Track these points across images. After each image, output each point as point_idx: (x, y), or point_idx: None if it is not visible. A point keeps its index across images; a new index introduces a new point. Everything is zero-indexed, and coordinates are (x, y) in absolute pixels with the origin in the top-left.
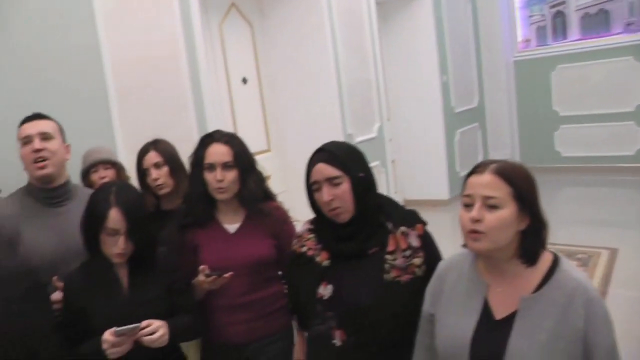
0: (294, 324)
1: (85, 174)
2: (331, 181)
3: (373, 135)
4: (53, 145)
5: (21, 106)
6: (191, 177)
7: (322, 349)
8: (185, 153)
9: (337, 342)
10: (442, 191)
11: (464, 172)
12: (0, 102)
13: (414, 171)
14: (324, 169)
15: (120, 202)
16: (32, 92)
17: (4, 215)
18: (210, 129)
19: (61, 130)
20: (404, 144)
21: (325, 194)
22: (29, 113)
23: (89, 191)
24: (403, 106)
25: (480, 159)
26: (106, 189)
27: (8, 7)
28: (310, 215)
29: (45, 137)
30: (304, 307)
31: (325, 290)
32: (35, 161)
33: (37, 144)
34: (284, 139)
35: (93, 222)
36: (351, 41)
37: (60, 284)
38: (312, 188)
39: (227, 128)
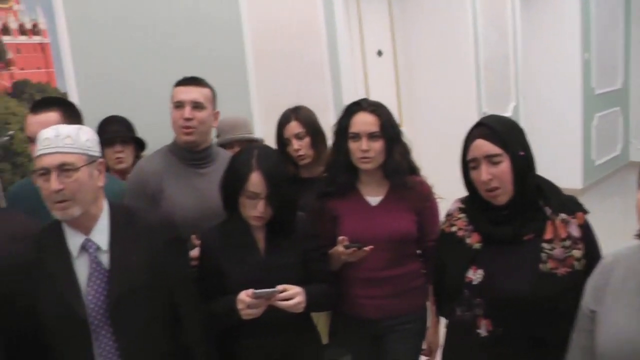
0: (429, 306)
1: (221, 145)
2: (490, 159)
3: (508, 114)
4: (203, 115)
5: (166, 70)
6: (334, 145)
7: (464, 337)
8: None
9: (482, 332)
10: (575, 179)
11: (600, 161)
12: (147, 65)
13: (545, 156)
14: (483, 145)
15: (262, 166)
16: (176, 56)
17: (149, 171)
18: (346, 100)
19: (214, 98)
20: (536, 126)
21: (484, 173)
22: (173, 77)
23: (228, 154)
24: (538, 85)
25: (619, 147)
26: (248, 152)
27: None
28: (446, 193)
29: (196, 106)
30: (449, 290)
31: (475, 275)
32: (183, 127)
33: (187, 112)
34: (416, 115)
35: (233, 184)
36: (491, 13)
37: (197, 242)
38: (468, 165)
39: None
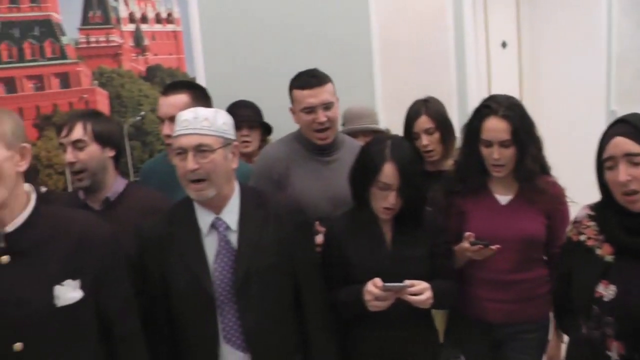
0: (552, 317)
1: (347, 134)
2: (630, 158)
3: None
4: (333, 112)
5: (292, 55)
6: (465, 147)
7: (591, 358)
8: None
9: (613, 355)
10: None
11: None
12: (273, 51)
13: None
14: (624, 144)
15: (395, 157)
16: (302, 42)
17: (274, 157)
18: (470, 92)
19: (334, 86)
20: None
21: (622, 173)
22: (299, 63)
23: (354, 142)
24: None
25: None
26: (382, 142)
27: None
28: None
29: (327, 107)
30: (575, 304)
31: (607, 291)
32: (317, 130)
33: (321, 116)
34: (538, 110)
35: (365, 174)
36: (629, 1)
37: (321, 229)
38: (604, 165)
39: (482, 93)
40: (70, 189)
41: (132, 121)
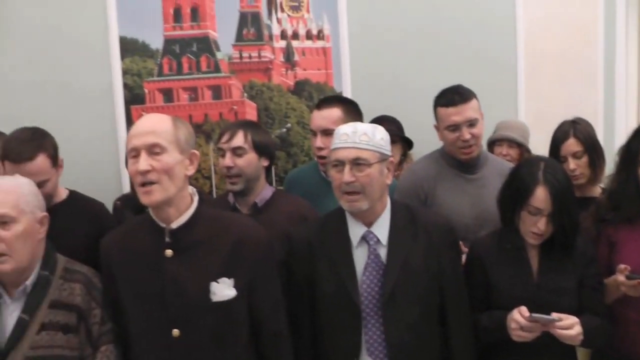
0: None
1: (491, 143)
2: None
3: None
4: (478, 129)
5: (436, 70)
6: (621, 170)
7: None
8: None
9: None
10: None
11: None
12: (417, 66)
13: None
14: None
15: (549, 181)
16: (446, 56)
17: (422, 175)
18: (618, 111)
19: (479, 104)
20: None
21: None
22: (443, 77)
23: (497, 159)
24: None
25: None
26: (534, 163)
27: None
28: None
29: (472, 124)
30: None
31: None
32: (463, 148)
33: (465, 134)
34: None
35: (515, 196)
36: None
37: (465, 249)
38: None
39: (632, 114)
40: (214, 194)
41: (278, 132)
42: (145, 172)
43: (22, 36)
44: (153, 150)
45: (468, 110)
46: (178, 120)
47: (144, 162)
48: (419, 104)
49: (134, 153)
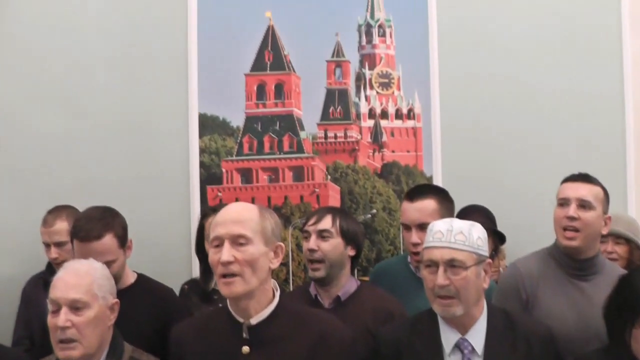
0: None
1: None
2: None
3: None
4: (589, 215)
5: (536, 163)
6: None
7: None
8: None
9: None
10: None
11: None
12: (515, 155)
13: None
14: None
15: None
16: (547, 146)
17: (525, 273)
18: None
19: (606, 199)
20: None
21: None
22: (543, 172)
23: (617, 268)
24: None
25: None
26: None
27: None
28: None
29: (583, 205)
30: None
31: None
32: (565, 228)
33: (572, 210)
34: None
35: (625, 310)
36: None
37: None
38: None
39: None
40: (291, 282)
41: (362, 219)
42: (227, 263)
43: (100, 113)
44: (237, 240)
45: (585, 189)
46: (265, 210)
47: (227, 252)
48: (515, 194)
49: (217, 242)
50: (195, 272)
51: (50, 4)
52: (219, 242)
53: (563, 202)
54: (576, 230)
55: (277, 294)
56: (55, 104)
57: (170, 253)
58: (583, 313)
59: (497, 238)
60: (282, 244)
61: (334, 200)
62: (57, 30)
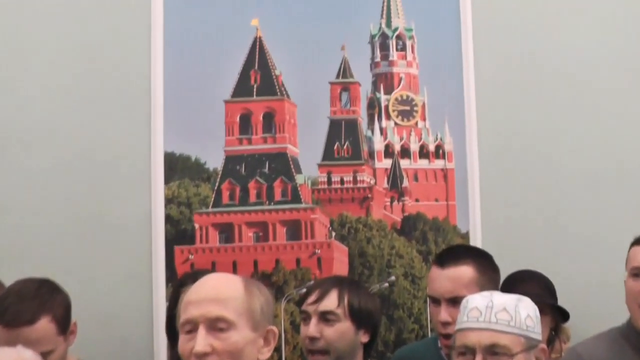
0: None
1: None
2: None
3: None
4: None
5: (599, 208)
6: None
7: None
8: None
9: None
10: None
11: None
12: (575, 207)
13: None
14: None
15: None
16: (611, 191)
17: (594, 356)
18: None
19: None
20: None
21: None
22: (603, 218)
23: None
24: None
25: None
26: None
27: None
28: None
29: None
30: None
31: None
32: None
33: None
34: None
35: None
36: None
37: None
38: None
39: None
40: None
41: (377, 288)
42: (202, 355)
43: (40, 152)
44: (216, 325)
45: None
46: (252, 283)
47: (202, 341)
48: (579, 256)
49: (189, 327)
50: (159, 357)
51: None
52: (192, 327)
53: (638, 272)
54: None
55: None
56: None
57: (128, 332)
58: None
59: (558, 315)
60: (274, 328)
61: (341, 265)
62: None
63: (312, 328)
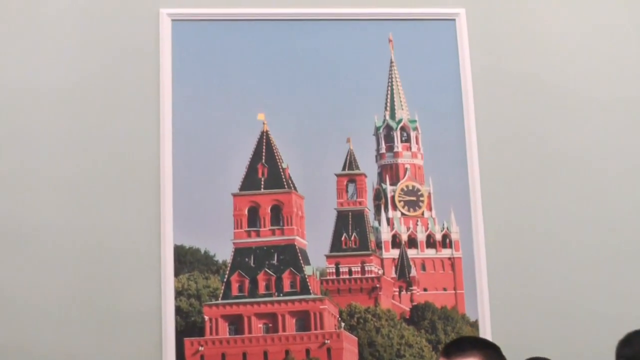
0: None
1: None
2: None
3: None
4: None
5: (609, 286)
6: None
7: None
8: None
9: None
10: None
11: None
12: (583, 294)
13: None
14: None
15: None
16: (619, 268)
17: None
18: None
19: None
20: None
21: None
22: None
23: None
24: None
25: None
26: None
27: None
28: None
29: None
30: None
31: None
32: None
33: None
34: None
35: None
36: None
37: None
38: None
39: None
40: None
41: None
42: None
43: (45, 247)
44: None
45: None
46: None
47: None
48: (592, 340)
49: None
50: None
51: None
52: None
53: None
54: None
55: None
56: None
57: None
58: None
59: None
60: None
61: (350, 355)
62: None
63: None
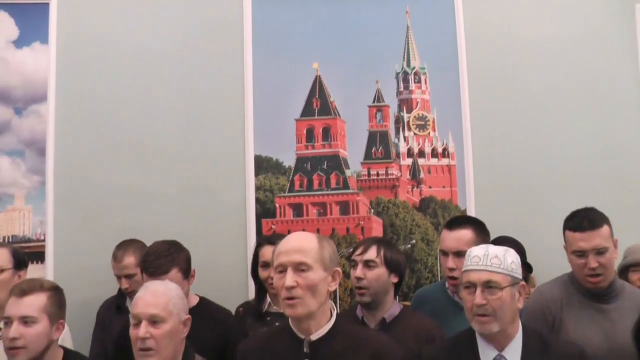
0: None
1: (624, 269)
2: None
3: None
4: (607, 259)
5: (563, 192)
6: None
7: None
8: None
9: None
10: None
11: None
12: (544, 188)
13: None
14: None
15: None
16: (573, 177)
17: (549, 297)
18: None
19: (611, 230)
20: None
21: None
22: (570, 201)
23: (636, 291)
24: None
25: None
26: None
27: None
28: None
29: (599, 252)
30: None
31: None
32: (589, 276)
33: (592, 262)
34: None
35: None
36: None
37: None
38: None
39: None
40: (338, 305)
41: (402, 248)
42: (290, 288)
43: (164, 155)
44: (299, 267)
45: (597, 238)
46: (323, 239)
47: (290, 278)
48: (545, 224)
49: (280, 268)
50: (251, 294)
51: (123, 63)
52: (283, 269)
53: (580, 254)
54: (599, 274)
55: (334, 313)
56: (124, 154)
57: (230, 278)
58: (608, 335)
59: (525, 268)
60: (339, 269)
61: (377, 232)
62: (125, 82)
63: (358, 272)
